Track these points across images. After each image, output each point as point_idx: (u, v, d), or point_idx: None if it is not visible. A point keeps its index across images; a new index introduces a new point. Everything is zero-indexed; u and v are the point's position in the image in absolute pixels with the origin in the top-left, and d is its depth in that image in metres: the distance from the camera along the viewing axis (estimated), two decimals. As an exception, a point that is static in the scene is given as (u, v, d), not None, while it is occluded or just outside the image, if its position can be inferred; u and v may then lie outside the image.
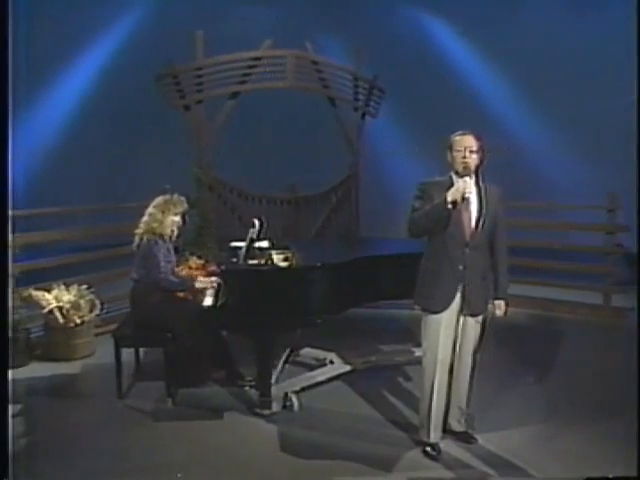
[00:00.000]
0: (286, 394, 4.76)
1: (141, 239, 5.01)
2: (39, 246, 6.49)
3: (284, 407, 4.74)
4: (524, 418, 4.67)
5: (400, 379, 5.38)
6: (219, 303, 4.70)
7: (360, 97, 8.71)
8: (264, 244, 5.51)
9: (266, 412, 4.64)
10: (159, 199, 5.11)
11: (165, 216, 5.02)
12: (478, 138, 3.94)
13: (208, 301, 4.81)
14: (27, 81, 7.63)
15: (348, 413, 4.77)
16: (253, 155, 10.06)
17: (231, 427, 4.55)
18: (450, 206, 3.79)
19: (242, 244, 5.29)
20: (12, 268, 5.34)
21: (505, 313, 4.20)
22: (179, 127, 7.86)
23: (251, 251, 5.17)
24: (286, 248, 5.32)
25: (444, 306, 4.00)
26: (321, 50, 8.40)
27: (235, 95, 7.78)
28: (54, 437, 4.36)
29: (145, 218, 5.05)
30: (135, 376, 5.38)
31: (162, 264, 4.92)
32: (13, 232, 5.07)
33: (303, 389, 4.93)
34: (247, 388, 5.05)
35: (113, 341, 4.93)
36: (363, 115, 8.85)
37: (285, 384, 4.96)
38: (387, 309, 6.80)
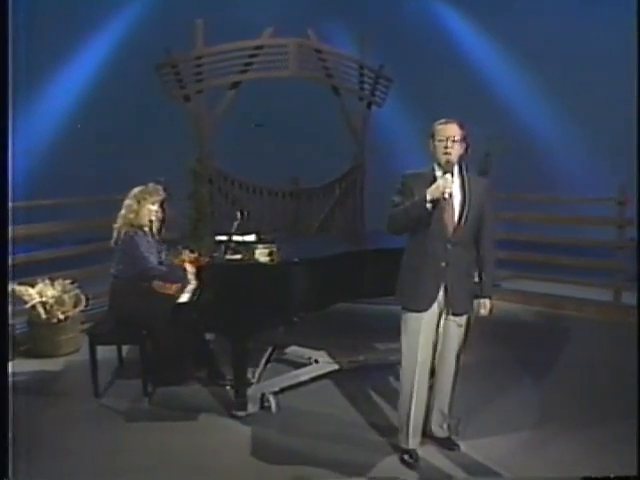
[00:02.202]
0: (263, 395, 4.56)
1: (119, 233, 4.85)
2: (29, 239, 6.36)
3: (262, 408, 4.54)
4: (516, 423, 4.41)
5: (391, 379, 5.14)
6: (192, 299, 4.50)
7: (366, 86, 8.45)
8: (250, 238, 5.32)
9: (241, 413, 4.44)
10: (134, 190, 4.97)
11: (141, 206, 4.87)
12: (462, 126, 3.69)
13: (184, 297, 4.62)
14: (27, 73, 7.46)
15: (328, 415, 4.55)
16: (254, 146, 9.84)
17: (204, 429, 4.36)
18: (429, 205, 3.56)
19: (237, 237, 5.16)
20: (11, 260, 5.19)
21: (490, 312, 3.95)
22: (179, 118, 7.71)
23: (233, 245, 4.99)
24: (272, 242, 5.11)
25: (426, 305, 3.77)
26: (324, 38, 8.16)
27: (236, 85, 7.61)
28: (24, 435, 4.21)
29: (122, 211, 4.90)
30: (116, 374, 5.24)
31: (146, 254, 4.76)
32: (13, 224, 4.93)
33: (282, 390, 4.72)
34: (228, 388, 4.85)
35: (88, 339, 4.77)
36: (369, 105, 8.60)
37: (263, 384, 4.77)
38: (388, 305, 6.54)
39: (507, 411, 4.61)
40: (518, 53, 10.18)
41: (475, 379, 5.09)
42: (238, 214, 5.22)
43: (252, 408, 4.49)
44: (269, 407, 4.54)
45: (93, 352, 4.75)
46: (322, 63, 7.98)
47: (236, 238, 5.22)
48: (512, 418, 4.49)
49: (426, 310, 3.76)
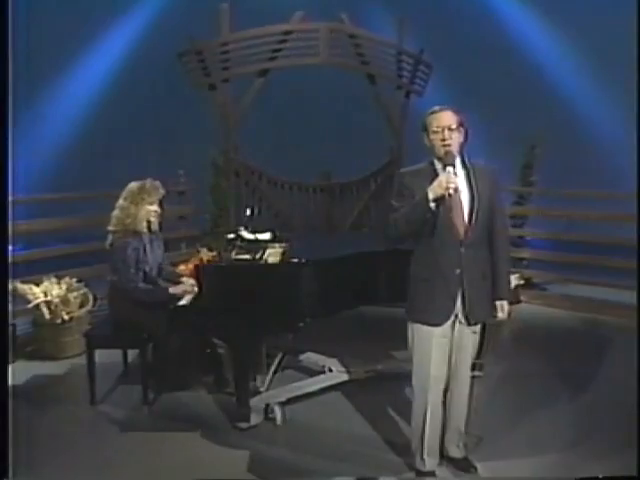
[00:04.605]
0: (268, 405, 4.43)
1: (114, 238, 4.68)
2: (39, 235, 6.38)
3: (266, 420, 4.41)
4: (543, 444, 4.16)
5: (409, 390, 4.92)
6: (192, 302, 4.40)
7: (404, 74, 8.34)
8: (264, 236, 5.21)
9: (243, 425, 4.32)
10: (131, 188, 4.74)
11: (139, 208, 4.66)
12: (457, 112, 3.48)
13: (184, 299, 4.52)
14: (38, 64, 7.62)
15: (339, 430, 4.38)
16: (284, 138, 9.73)
17: (202, 441, 4.24)
18: (433, 205, 3.33)
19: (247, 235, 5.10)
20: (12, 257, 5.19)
21: (509, 315, 3.72)
22: (203, 108, 7.67)
23: (244, 244, 4.90)
24: (286, 242, 5.01)
25: (441, 319, 3.55)
26: (359, 22, 8.01)
27: (264, 73, 7.57)
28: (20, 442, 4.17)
29: (116, 212, 4.70)
30: (121, 379, 5.19)
31: (132, 271, 4.58)
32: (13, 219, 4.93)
33: (289, 400, 4.57)
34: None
35: (85, 342, 4.72)
36: (407, 94, 8.46)
37: (268, 394, 4.63)
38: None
39: (534, 430, 4.35)
40: (571, 36, 9.76)
41: (503, 393, 4.91)
42: (248, 211, 5.11)
43: (256, 419, 4.36)
44: (274, 419, 4.41)
45: (91, 356, 4.70)
46: (356, 49, 7.87)
47: (248, 236, 5.13)
48: (539, 438, 4.24)
49: (442, 324, 3.56)
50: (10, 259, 4.30)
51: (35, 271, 5.93)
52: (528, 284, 7.54)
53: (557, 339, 6.34)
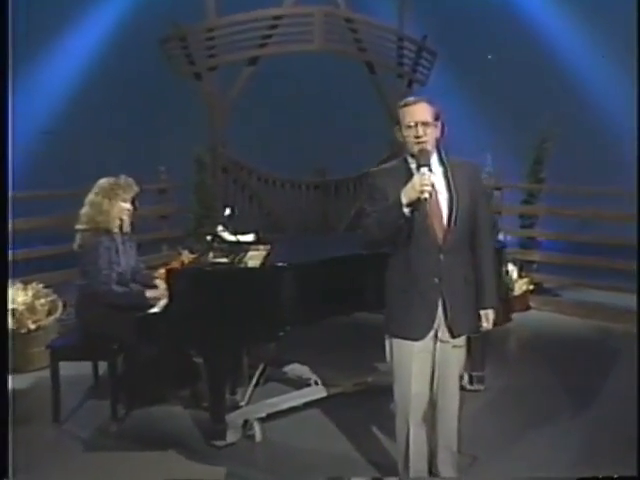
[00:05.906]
0: (247, 421, 4.36)
1: (83, 238, 4.61)
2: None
3: (246, 437, 4.34)
4: (545, 465, 4.06)
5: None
6: (159, 309, 4.33)
7: (406, 61, 8.29)
8: (247, 238, 5.17)
9: (219, 443, 4.24)
10: (102, 183, 4.68)
11: (112, 205, 4.60)
12: (432, 103, 3.40)
13: (156, 307, 4.45)
14: (27, 53, 7.57)
15: (322, 448, 4.29)
16: (275, 132, 9.72)
17: (175, 461, 4.15)
18: (407, 210, 3.21)
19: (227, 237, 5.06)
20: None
21: (495, 324, 3.62)
22: (188, 99, 7.64)
23: (224, 246, 4.85)
24: (270, 244, 4.97)
25: (419, 334, 3.43)
26: (356, 5, 7.98)
27: (254, 61, 7.54)
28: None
29: (86, 209, 4.63)
30: (90, 392, 5.11)
31: (104, 272, 4.50)
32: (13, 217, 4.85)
33: (270, 416, 4.49)
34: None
35: (49, 354, 4.64)
36: (410, 83, 8.43)
37: (248, 409, 4.56)
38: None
39: (536, 450, 4.27)
40: (593, 21, 9.62)
41: (504, 409, 4.85)
42: (227, 210, 5.05)
43: (232, 437, 4.28)
44: (253, 436, 4.34)
45: (55, 369, 4.61)
46: (354, 35, 7.84)
47: (229, 238, 5.08)
48: (541, 459, 4.15)
49: (420, 339, 3.46)
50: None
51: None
52: (538, 289, 7.47)
53: (568, 349, 6.24)
